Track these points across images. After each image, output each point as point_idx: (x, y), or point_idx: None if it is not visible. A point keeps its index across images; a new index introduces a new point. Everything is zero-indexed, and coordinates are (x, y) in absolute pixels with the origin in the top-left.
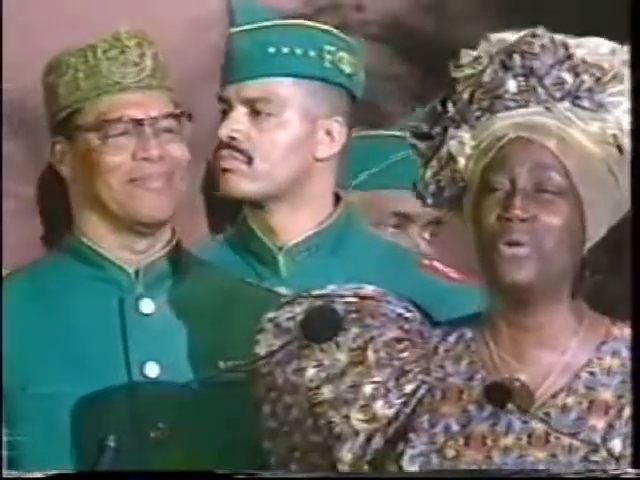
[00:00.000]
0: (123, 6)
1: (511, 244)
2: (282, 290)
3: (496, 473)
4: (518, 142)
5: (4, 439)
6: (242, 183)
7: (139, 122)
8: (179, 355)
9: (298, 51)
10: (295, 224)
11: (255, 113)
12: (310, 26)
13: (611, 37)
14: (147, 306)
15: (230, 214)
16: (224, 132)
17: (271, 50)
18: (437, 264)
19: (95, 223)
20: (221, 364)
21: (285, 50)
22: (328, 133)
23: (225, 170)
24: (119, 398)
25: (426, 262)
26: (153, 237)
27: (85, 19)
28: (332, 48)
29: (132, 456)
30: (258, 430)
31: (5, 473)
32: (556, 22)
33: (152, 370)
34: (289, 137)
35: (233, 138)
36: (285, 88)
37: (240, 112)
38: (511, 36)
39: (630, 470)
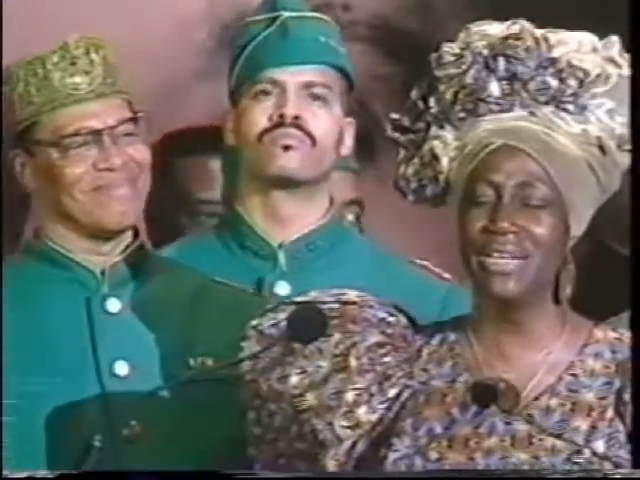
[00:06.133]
0: (113, 7)
1: (498, 257)
2: (283, 286)
3: (479, 474)
4: (504, 151)
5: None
6: (305, 163)
7: (97, 132)
8: (148, 353)
9: (334, 44)
10: (302, 217)
11: (311, 97)
12: (330, 21)
13: (609, 33)
14: (113, 305)
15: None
16: (292, 111)
17: (322, 40)
18: (428, 264)
19: (60, 230)
20: (191, 362)
21: (331, 42)
22: (348, 132)
23: (287, 147)
24: (90, 397)
25: (418, 262)
26: (118, 238)
27: (76, 20)
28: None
29: (106, 454)
30: (234, 425)
31: (5, 473)
32: (549, 21)
33: (122, 369)
34: (335, 127)
35: (297, 117)
36: (334, 78)
37: (298, 95)
38: (492, 28)
39: (635, 470)
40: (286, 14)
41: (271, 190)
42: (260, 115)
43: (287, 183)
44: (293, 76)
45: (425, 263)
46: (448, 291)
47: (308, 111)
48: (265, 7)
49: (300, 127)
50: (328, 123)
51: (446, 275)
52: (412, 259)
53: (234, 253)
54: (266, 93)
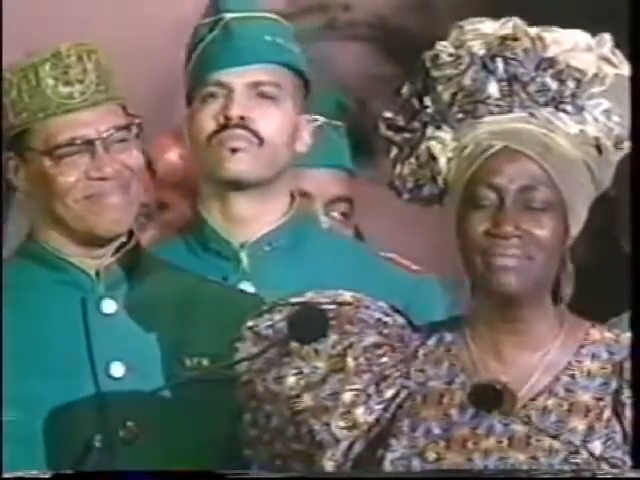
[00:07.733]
0: (112, 8)
1: (502, 259)
2: (247, 286)
3: (477, 475)
4: (505, 154)
5: None
6: (254, 164)
7: (90, 142)
8: (144, 354)
9: (282, 42)
10: (260, 216)
11: (260, 96)
12: (279, 20)
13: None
14: (109, 306)
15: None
16: (237, 112)
17: (268, 38)
18: (396, 257)
19: (54, 234)
20: (187, 362)
21: (278, 40)
22: (304, 129)
23: (235, 150)
24: (86, 399)
25: (385, 255)
26: (111, 244)
27: (75, 20)
28: (299, 45)
29: (103, 455)
30: (230, 426)
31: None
32: (549, 21)
33: (117, 370)
34: (288, 124)
35: (243, 118)
36: (284, 76)
37: (245, 95)
38: (485, 26)
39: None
40: (229, 15)
41: (226, 192)
42: (207, 118)
43: (238, 185)
44: (239, 77)
45: (392, 255)
46: (416, 283)
47: (255, 111)
48: (210, 9)
49: (246, 127)
50: (278, 121)
51: (415, 267)
52: (378, 252)
53: (198, 255)
54: (213, 96)
